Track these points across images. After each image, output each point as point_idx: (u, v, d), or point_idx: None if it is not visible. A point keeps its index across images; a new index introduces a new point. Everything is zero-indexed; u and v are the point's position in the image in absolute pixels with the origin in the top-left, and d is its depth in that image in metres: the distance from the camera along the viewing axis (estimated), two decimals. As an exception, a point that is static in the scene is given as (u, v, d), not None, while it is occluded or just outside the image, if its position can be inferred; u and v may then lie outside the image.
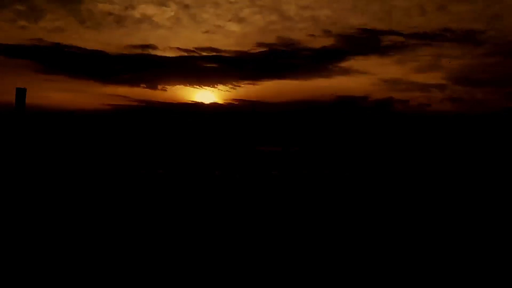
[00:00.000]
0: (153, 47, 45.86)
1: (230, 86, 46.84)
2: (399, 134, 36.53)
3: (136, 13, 48.99)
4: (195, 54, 44.99)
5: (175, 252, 7.49)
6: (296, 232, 8.96)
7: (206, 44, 49.14)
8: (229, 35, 50.78)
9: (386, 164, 24.03)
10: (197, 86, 45.70)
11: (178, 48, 45.62)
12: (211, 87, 46.49)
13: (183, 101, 46.61)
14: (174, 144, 29.04)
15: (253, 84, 47.32)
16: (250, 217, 10.38)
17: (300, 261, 7.08)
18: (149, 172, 19.59)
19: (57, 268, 6.54)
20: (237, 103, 46.39)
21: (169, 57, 45.13)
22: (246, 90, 47.64)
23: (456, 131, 37.03)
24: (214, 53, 45.35)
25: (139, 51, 45.83)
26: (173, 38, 55.35)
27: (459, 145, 33.70)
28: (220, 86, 46.48)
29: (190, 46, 46.79)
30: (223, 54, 45.72)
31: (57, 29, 47.26)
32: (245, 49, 46.92)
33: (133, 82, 48.83)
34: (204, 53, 45.54)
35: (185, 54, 45.29)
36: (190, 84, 46.14)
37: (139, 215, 10.27)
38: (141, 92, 51.86)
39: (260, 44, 47.23)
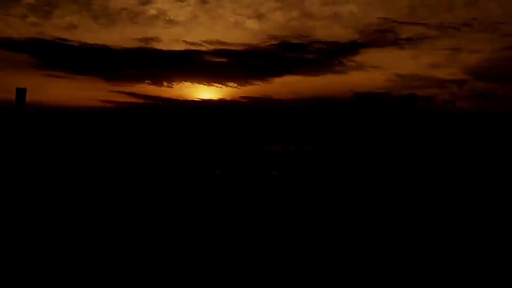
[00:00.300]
0: (160, 42, 44.93)
1: (239, 82, 45.83)
2: (424, 133, 34.90)
3: (152, 9, 48.04)
4: (203, 49, 43.97)
5: (174, 252, 7.35)
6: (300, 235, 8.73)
7: (222, 40, 47.60)
8: (247, 32, 49.32)
9: (411, 165, 23.08)
10: (205, 83, 44.87)
11: (185, 41, 44.57)
12: (219, 84, 45.58)
13: (189, 99, 45.68)
14: (178, 143, 28.52)
15: (263, 81, 46.22)
16: (249, 220, 10.16)
17: (300, 261, 6.89)
18: (150, 172, 19.32)
19: (57, 268, 6.47)
20: (245, 100, 45.32)
21: (176, 53, 44.15)
22: (255, 87, 46.70)
23: (479, 130, 35.32)
24: (223, 47, 44.15)
25: (145, 46, 44.82)
26: (187, 35, 54.39)
27: (483, 145, 32.05)
28: (229, 83, 45.51)
29: (203, 42, 45.76)
30: (232, 48, 44.51)
31: (70, 25, 46.58)
32: (258, 44, 45.44)
33: (138, 78, 48.08)
34: (213, 47, 44.37)
35: (193, 48, 44.21)
36: (197, 81, 45.26)
37: (139, 216, 10.06)
38: (146, 89, 50.92)
39: (272, 37, 45.70)
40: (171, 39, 47.95)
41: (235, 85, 46.18)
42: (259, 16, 47.71)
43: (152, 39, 44.53)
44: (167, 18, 46.26)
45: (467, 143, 32.70)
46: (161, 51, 43.92)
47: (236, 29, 48.32)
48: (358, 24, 50.05)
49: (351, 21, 48.29)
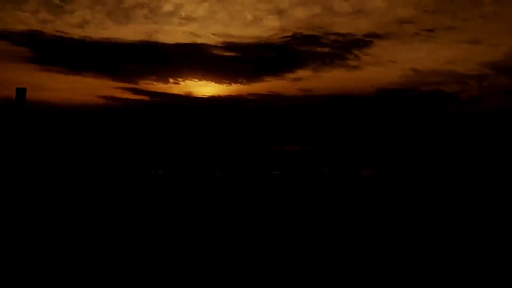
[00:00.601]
0: (170, 37, 44.07)
1: (248, 79, 44.64)
2: (451, 133, 32.82)
3: (168, 4, 46.97)
4: (212, 43, 42.91)
5: (174, 253, 7.21)
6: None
7: (235, 35, 46.16)
8: (265, 28, 47.65)
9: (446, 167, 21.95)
10: (213, 80, 43.88)
11: (192, 33, 43.58)
12: (228, 80, 44.50)
13: (196, 96, 44.57)
14: (182, 142, 27.99)
15: (274, 76, 44.98)
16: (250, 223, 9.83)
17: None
18: (149, 172, 19.32)
19: (56, 268, 6.50)
20: (254, 98, 44.13)
21: (183, 48, 43.16)
22: (266, 83, 45.53)
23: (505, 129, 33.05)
24: (233, 40, 42.93)
25: (151, 40, 43.79)
26: (201, 32, 53.27)
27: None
28: (238, 79, 44.35)
29: (211, 35, 44.56)
30: (242, 41, 43.18)
31: (82, 21, 45.88)
32: (270, 37, 43.97)
33: (143, 74, 47.13)
34: (221, 40, 43.14)
35: (200, 42, 43.13)
36: (204, 78, 44.19)
37: (139, 217, 9.87)
38: (151, 86, 49.70)
39: (285, 30, 44.21)
40: (182, 35, 47.22)
41: (244, 81, 44.96)
42: (280, 12, 46.18)
43: (157, 31, 43.56)
44: (183, 14, 45.24)
45: (496, 143, 30.65)
46: (168, 46, 42.87)
47: (254, 26, 46.96)
48: (382, 19, 47.98)
49: (376, 17, 46.15)
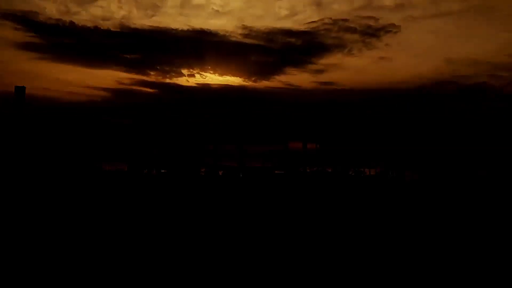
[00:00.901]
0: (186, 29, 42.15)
1: (269, 71, 42.82)
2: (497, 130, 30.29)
3: None
4: (235, 34, 41.11)
5: (176, 250, 7.22)
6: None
7: (266, 27, 43.28)
8: (302, 22, 45.52)
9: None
10: (229, 74, 42.40)
11: (218, 26, 41.90)
12: (246, 73, 42.97)
13: (210, 88, 43.13)
14: (189, 139, 27.42)
15: (296, 68, 43.17)
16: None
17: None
18: (153, 172, 19.24)
19: (58, 265, 6.46)
20: (271, 91, 42.60)
21: (200, 39, 41.21)
22: (287, 76, 44.08)
23: None
24: (259, 29, 40.47)
25: (168, 31, 41.97)
26: (229, 25, 50.95)
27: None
28: (259, 71, 42.59)
29: (240, 29, 42.44)
30: (267, 31, 40.68)
31: (108, 11, 44.16)
32: (296, 24, 41.86)
33: (153, 66, 45.85)
34: (246, 32, 41.27)
35: (225, 36, 41.20)
36: (219, 71, 42.59)
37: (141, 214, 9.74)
38: (164, 78, 48.11)
39: (309, 21, 42.34)
40: (207, 27, 45.43)
41: (264, 73, 43.02)
42: (318, 4, 43.72)
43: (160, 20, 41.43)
44: (215, 8, 43.05)
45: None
46: (185, 37, 40.66)
47: (289, 18, 44.73)
48: (424, 11, 45.43)
49: (418, 10, 43.82)
